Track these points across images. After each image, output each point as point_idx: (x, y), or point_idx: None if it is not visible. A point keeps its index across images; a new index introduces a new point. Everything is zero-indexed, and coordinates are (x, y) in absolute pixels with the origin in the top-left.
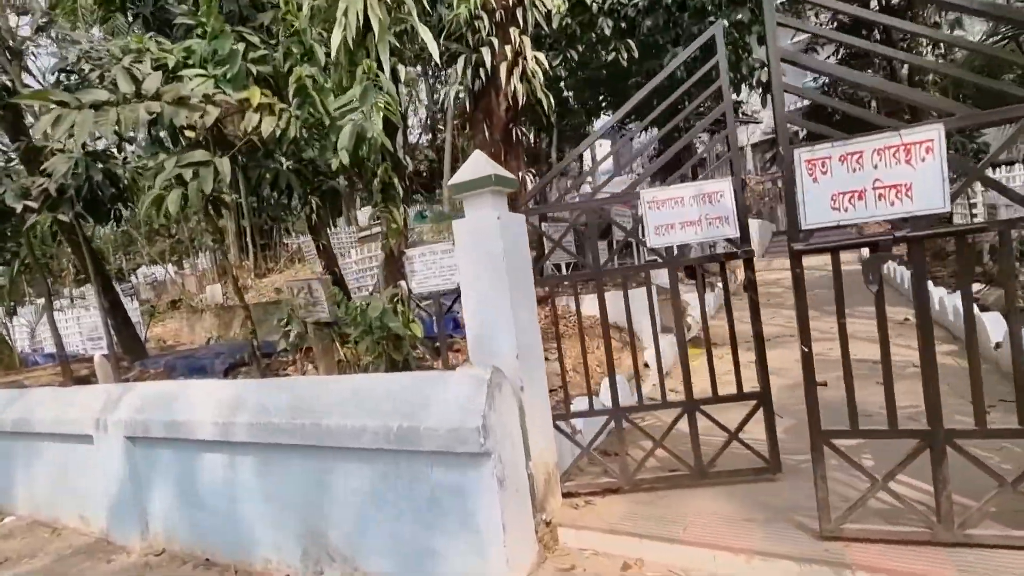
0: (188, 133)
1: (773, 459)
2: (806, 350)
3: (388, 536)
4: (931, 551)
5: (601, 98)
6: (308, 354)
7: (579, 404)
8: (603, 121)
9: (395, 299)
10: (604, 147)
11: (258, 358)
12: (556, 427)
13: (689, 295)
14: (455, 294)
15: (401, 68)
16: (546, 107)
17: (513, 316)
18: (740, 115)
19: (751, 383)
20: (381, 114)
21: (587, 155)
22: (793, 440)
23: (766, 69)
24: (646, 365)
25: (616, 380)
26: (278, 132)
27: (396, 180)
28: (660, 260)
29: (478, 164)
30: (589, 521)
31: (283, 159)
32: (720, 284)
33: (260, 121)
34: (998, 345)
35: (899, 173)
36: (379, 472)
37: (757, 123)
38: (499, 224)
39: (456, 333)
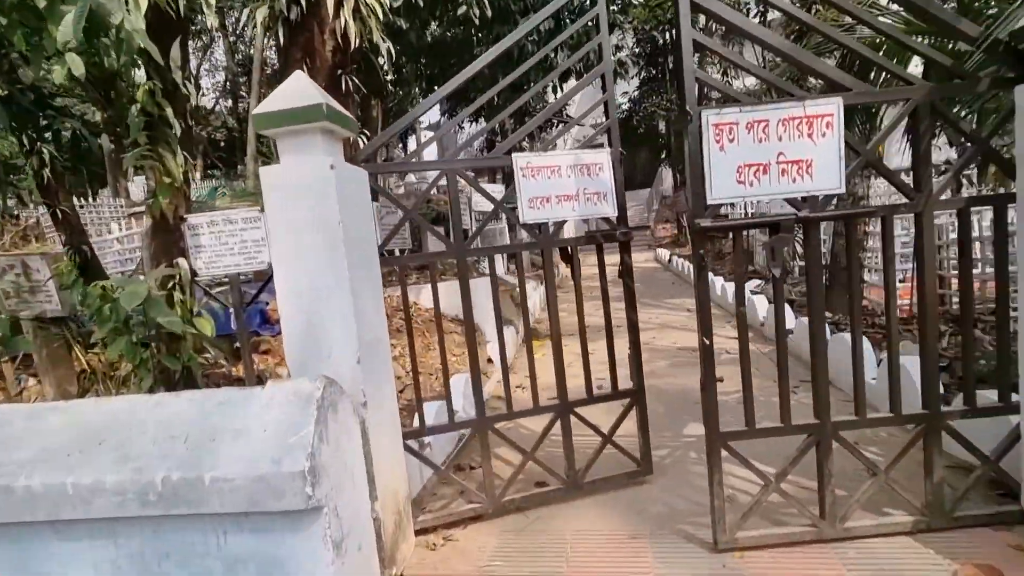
0: None
1: (645, 461)
2: (707, 342)
3: None
4: (819, 550)
5: (439, 70)
6: (30, 364)
7: (429, 414)
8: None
9: (171, 284)
10: (429, 139)
11: None
12: (406, 447)
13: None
14: (267, 278)
15: None
16: (385, 58)
17: (354, 305)
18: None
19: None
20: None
21: (411, 144)
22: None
23: None
24: (489, 361)
25: (479, 382)
26: None
27: (170, 112)
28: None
29: (302, 88)
30: (455, 566)
31: None
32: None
33: None
34: (790, 331)
35: (801, 148)
36: (129, 552)
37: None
38: (333, 177)
39: (266, 330)
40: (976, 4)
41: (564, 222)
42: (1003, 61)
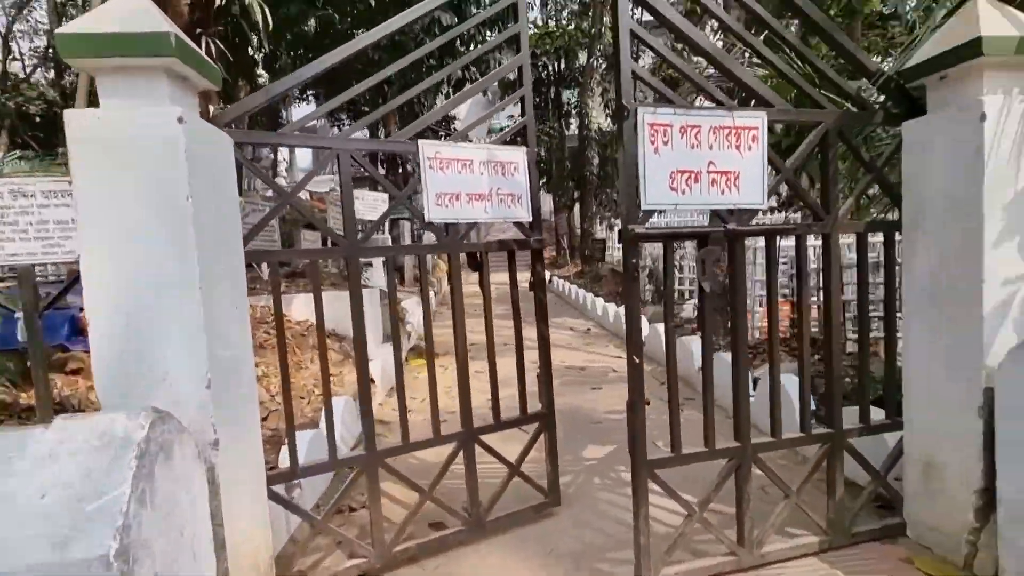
0: None
1: (553, 492)
2: (636, 361)
3: None
4: None
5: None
6: None
7: (301, 447)
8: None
9: None
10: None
11: None
12: (271, 494)
13: (407, 301)
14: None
15: None
16: (261, 26)
17: (204, 309)
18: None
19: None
20: None
21: (284, 152)
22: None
23: None
24: (372, 380)
25: (370, 408)
26: None
27: None
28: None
29: (142, 8)
30: None
31: None
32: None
33: None
34: None
35: (730, 159)
36: None
37: None
38: (182, 134)
39: (78, 344)
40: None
41: (475, 224)
42: (893, 97)
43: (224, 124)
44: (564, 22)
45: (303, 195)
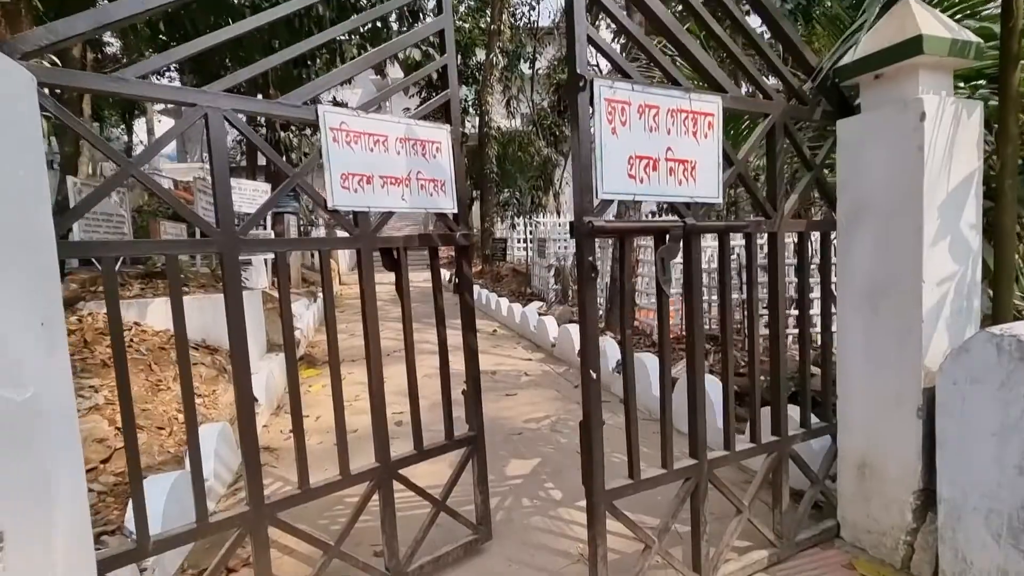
0: None
1: (484, 524)
2: (594, 376)
3: None
4: None
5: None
6: None
7: (158, 497)
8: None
9: None
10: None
11: None
12: None
13: (294, 303)
14: None
15: None
16: None
17: None
18: None
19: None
20: None
21: (142, 132)
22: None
23: None
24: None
25: (256, 458)
26: None
27: None
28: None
29: None
30: None
31: None
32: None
33: None
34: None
35: (687, 146)
36: None
37: None
38: None
39: None
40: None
41: (390, 215)
42: (827, 95)
43: (22, 55)
44: (459, 20)
45: (167, 184)
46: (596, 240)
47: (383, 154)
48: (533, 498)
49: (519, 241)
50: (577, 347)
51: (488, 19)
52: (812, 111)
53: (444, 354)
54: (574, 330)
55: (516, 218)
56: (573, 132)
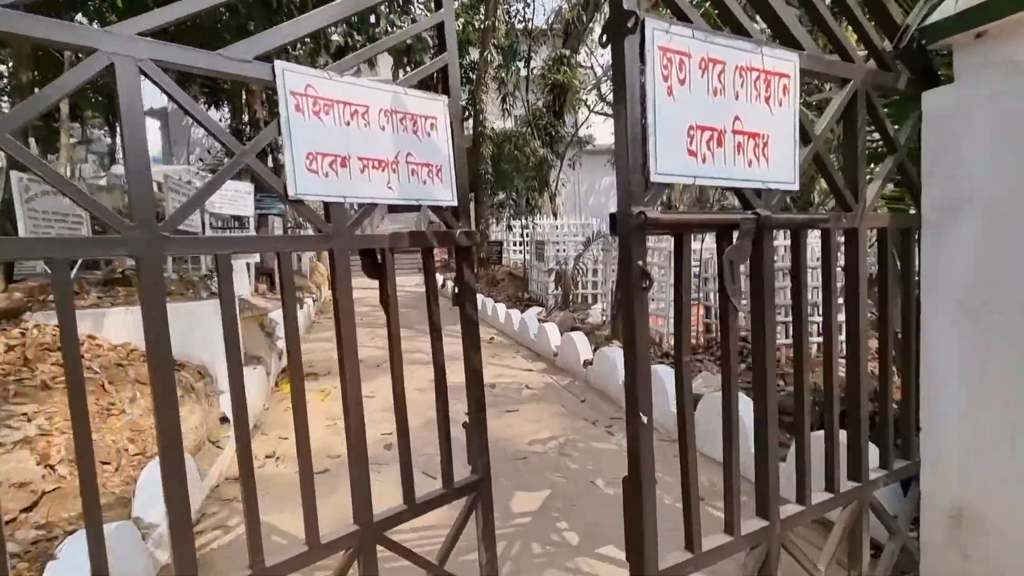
0: None
1: None
2: (644, 421)
3: None
4: None
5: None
6: None
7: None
8: None
9: None
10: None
11: None
12: None
13: (276, 311)
14: None
15: None
16: None
17: None
18: None
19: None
20: None
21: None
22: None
23: None
24: (224, 419)
25: (188, 541)
26: None
27: None
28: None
29: None
30: None
31: None
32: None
33: None
34: (586, 363)
35: (759, 116)
36: None
37: None
38: None
39: None
40: None
41: (372, 209)
42: (910, 61)
43: None
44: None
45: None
46: (647, 235)
47: (363, 129)
48: (545, 543)
49: (515, 244)
50: (582, 357)
51: (482, 16)
52: (897, 78)
53: (442, 383)
54: (578, 339)
55: (512, 220)
56: (618, 93)
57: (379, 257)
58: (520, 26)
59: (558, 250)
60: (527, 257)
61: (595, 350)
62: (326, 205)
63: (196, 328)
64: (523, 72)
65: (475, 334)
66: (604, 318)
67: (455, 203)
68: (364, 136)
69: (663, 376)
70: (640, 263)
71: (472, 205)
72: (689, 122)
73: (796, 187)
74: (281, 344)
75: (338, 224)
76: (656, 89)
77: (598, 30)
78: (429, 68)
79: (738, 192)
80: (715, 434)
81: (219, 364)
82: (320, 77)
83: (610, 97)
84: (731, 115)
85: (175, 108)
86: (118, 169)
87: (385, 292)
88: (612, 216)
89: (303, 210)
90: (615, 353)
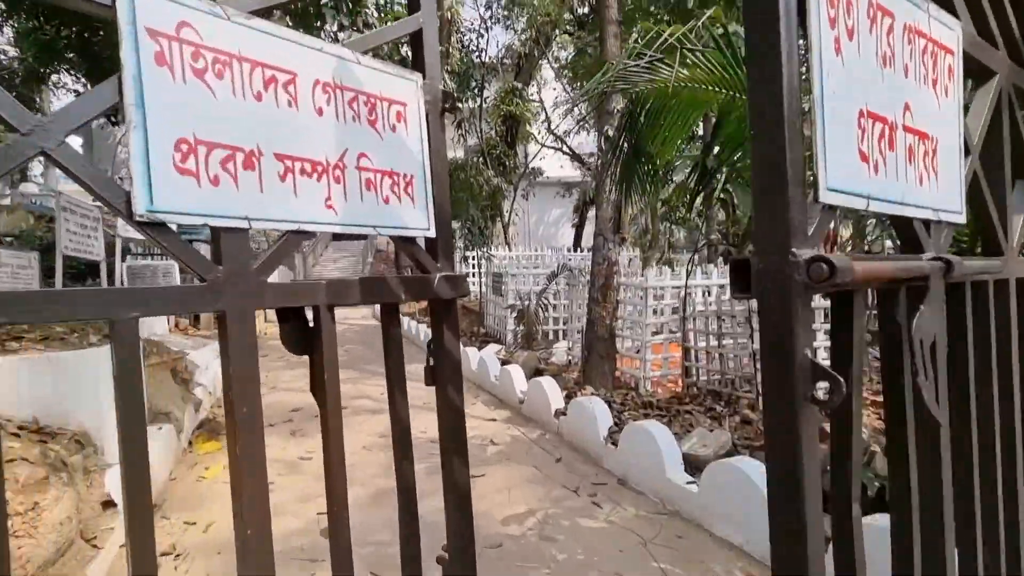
0: None
1: None
2: None
3: None
4: None
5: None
6: None
7: None
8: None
9: None
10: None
11: None
12: None
13: (199, 351)
14: None
15: None
16: None
17: None
18: None
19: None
20: None
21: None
22: None
23: None
24: (109, 503)
25: None
26: None
27: None
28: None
29: None
30: None
31: None
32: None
33: None
34: (558, 412)
35: (927, 106)
36: None
37: None
38: None
39: None
40: None
41: (302, 238)
42: None
43: None
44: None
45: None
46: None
47: (287, 110)
48: None
49: (471, 275)
50: (553, 406)
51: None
52: None
53: (412, 494)
54: (548, 384)
55: (468, 250)
56: (753, 53)
57: (310, 320)
58: (475, 56)
59: (518, 283)
60: (483, 290)
61: (566, 397)
62: (215, 232)
63: (81, 383)
64: (476, 101)
65: (461, 430)
66: (570, 358)
67: (432, 233)
68: (288, 121)
69: (654, 433)
70: (807, 352)
71: None
72: (860, 104)
73: (964, 220)
74: (200, 393)
75: (235, 266)
76: (823, 39)
77: (546, 67)
78: (394, 31)
79: (901, 225)
80: (730, 513)
81: (107, 428)
82: (207, 15)
83: (560, 128)
84: (902, 100)
85: (99, 123)
86: (28, 187)
87: (320, 375)
88: (737, 263)
89: (168, 240)
90: (593, 403)
